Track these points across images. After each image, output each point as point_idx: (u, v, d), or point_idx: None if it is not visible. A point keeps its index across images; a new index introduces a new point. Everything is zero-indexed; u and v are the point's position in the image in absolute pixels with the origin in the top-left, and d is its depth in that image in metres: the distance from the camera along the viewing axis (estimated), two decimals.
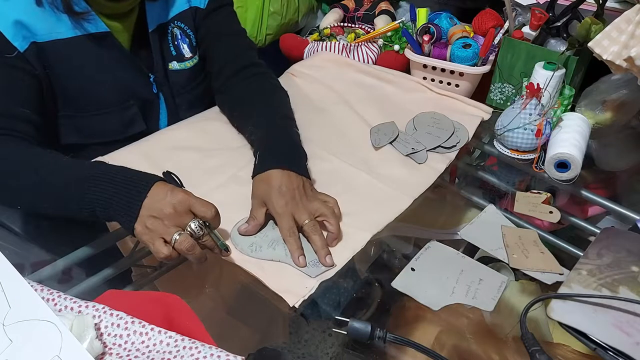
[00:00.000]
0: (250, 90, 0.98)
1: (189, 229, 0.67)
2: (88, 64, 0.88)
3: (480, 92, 1.14)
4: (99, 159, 0.87)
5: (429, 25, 1.12)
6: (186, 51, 1.00)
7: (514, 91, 1.11)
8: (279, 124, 0.90)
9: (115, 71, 0.91)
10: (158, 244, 0.66)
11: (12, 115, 0.80)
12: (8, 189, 0.75)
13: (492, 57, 1.10)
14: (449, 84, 1.13)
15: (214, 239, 0.69)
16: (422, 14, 1.17)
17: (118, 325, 0.58)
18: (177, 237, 0.66)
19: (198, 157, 0.92)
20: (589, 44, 0.90)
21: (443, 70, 1.11)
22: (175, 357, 0.56)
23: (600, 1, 1.02)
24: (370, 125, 1.02)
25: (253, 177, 0.81)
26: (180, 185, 0.73)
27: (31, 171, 0.73)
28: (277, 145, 0.85)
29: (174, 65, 0.99)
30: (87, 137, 0.91)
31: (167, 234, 0.66)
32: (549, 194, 0.90)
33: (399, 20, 1.26)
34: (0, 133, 0.77)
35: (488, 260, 0.81)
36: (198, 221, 0.67)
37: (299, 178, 0.79)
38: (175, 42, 0.98)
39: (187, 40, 1.00)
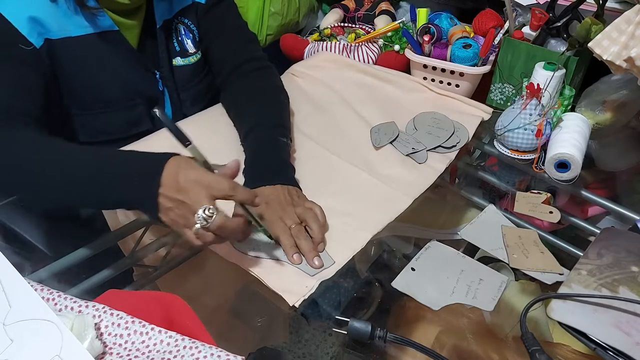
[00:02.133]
0: (247, 91, 0.98)
1: (202, 214, 0.63)
2: (96, 63, 0.89)
3: (480, 92, 1.14)
4: None
5: (429, 25, 1.12)
6: (190, 46, 1.01)
7: (514, 91, 1.11)
8: (267, 136, 0.89)
9: (123, 69, 0.92)
10: (189, 234, 0.65)
11: (20, 110, 0.79)
12: (16, 180, 0.72)
13: (492, 58, 1.11)
14: (449, 84, 1.13)
15: (250, 218, 0.69)
16: (422, 14, 1.17)
17: (118, 325, 0.58)
18: (197, 228, 0.63)
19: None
20: (589, 45, 0.90)
21: (443, 70, 1.11)
22: (175, 357, 0.56)
23: (600, 1, 1.02)
24: (370, 125, 1.02)
25: None
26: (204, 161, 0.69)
27: (50, 165, 0.70)
28: (263, 164, 0.84)
29: (178, 60, 0.99)
30: (93, 135, 0.92)
31: (189, 224, 0.64)
32: (549, 194, 0.90)
33: (399, 21, 1.26)
34: (7, 124, 0.76)
35: (488, 260, 0.81)
36: (206, 210, 0.63)
37: (284, 187, 0.80)
38: (179, 38, 0.99)
39: (191, 35, 1.01)
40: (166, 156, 0.67)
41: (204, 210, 0.63)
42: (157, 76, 0.97)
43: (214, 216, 0.63)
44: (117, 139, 0.92)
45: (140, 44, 0.95)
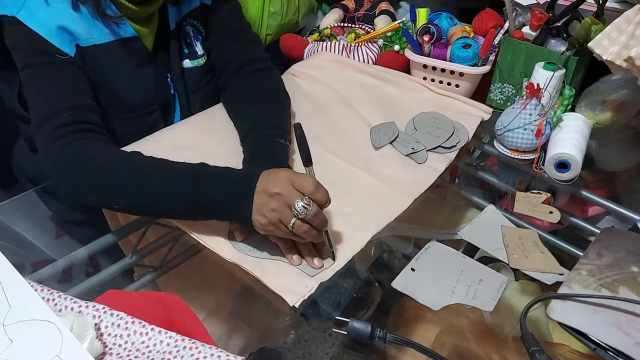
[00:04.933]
0: (248, 92, 0.98)
1: (295, 210, 0.67)
2: (118, 70, 0.89)
3: (480, 92, 1.14)
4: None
5: (429, 25, 1.12)
6: (199, 48, 1.02)
7: (514, 91, 1.11)
8: (266, 138, 0.88)
9: (142, 75, 0.93)
10: (283, 229, 0.69)
11: (83, 107, 0.81)
12: (108, 187, 0.74)
13: (492, 57, 1.10)
14: (449, 84, 1.13)
15: (326, 241, 0.72)
16: (422, 14, 1.17)
17: (118, 326, 0.58)
18: (295, 221, 0.68)
19: (198, 156, 0.92)
20: (589, 44, 0.90)
21: (443, 70, 1.11)
22: (175, 357, 0.56)
23: (600, 1, 1.02)
24: (370, 125, 1.02)
25: None
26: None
27: (136, 170, 0.74)
28: (261, 165, 0.83)
29: (187, 63, 1.00)
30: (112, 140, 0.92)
31: (285, 217, 0.68)
32: (549, 194, 0.90)
33: (399, 21, 1.26)
34: (80, 129, 0.78)
35: (488, 260, 0.81)
36: (303, 199, 0.68)
37: None
38: (188, 40, 1.00)
39: (200, 37, 1.01)
40: (259, 168, 0.73)
41: (302, 200, 0.67)
42: (169, 80, 0.98)
43: (311, 206, 0.67)
44: (131, 143, 0.92)
45: (154, 48, 0.96)
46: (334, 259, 0.74)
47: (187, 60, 1.00)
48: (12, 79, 0.89)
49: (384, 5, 1.36)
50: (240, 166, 0.87)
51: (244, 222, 0.71)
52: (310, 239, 0.70)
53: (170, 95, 0.99)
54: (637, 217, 0.86)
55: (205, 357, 0.55)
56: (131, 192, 0.73)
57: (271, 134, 0.89)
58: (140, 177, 0.73)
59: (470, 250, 0.84)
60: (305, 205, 0.67)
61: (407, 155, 0.95)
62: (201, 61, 1.02)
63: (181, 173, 0.72)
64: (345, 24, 1.35)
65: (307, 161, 0.71)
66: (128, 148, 0.90)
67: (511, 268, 0.79)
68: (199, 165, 0.74)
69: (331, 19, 1.35)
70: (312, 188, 0.68)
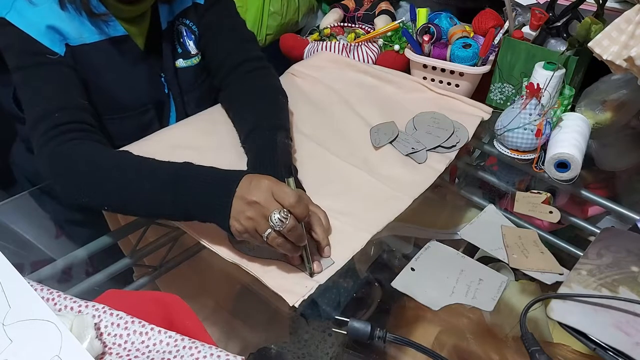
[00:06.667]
0: (245, 92, 0.98)
1: (271, 222, 0.66)
2: (110, 69, 0.89)
3: (480, 92, 1.14)
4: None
5: (429, 25, 1.12)
6: (192, 48, 1.01)
7: (514, 91, 1.11)
8: (267, 138, 0.88)
9: (134, 75, 0.93)
10: (258, 239, 0.68)
11: (75, 106, 0.81)
12: (96, 189, 0.74)
13: (492, 57, 1.10)
14: (449, 84, 1.13)
15: (304, 257, 0.70)
16: (422, 14, 1.17)
17: (118, 325, 0.58)
18: (270, 232, 0.66)
19: (197, 156, 0.91)
20: (589, 44, 0.90)
21: (443, 70, 1.11)
22: (175, 357, 0.56)
23: (600, 1, 1.02)
24: (370, 125, 1.02)
25: None
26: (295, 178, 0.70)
27: (120, 173, 0.73)
28: (265, 167, 0.83)
29: (181, 62, 0.99)
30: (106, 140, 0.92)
31: (260, 227, 0.67)
32: (548, 194, 0.90)
33: (399, 20, 1.26)
34: (72, 129, 0.78)
35: (488, 260, 0.81)
36: (281, 212, 0.66)
37: None
38: (181, 40, 0.99)
39: (193, 36, 1.01)
40: (242, 172, 0.71)
41: (279, 212, 0.65)
42: (163, 79, 0.98)
43: (289, 219, 0.65)
44: (127, 144, 0.92)
45: (146, 48, 0.95)
46: (311, 276, 0.71)
47: (181, 59, 0.99)
48: (7, 79, 0.89)
49: (383, 5, 1.36)
50: (239, 165, 0.87)
51: (223, 226, 0.70)
52: (285, 252, 0.69)
53: (164, 95, 0.99)
54: (637, 217, 0.86)
55: (205, 357, 0.55)
56: (117, 197, 0.73)
57: (272, 134, 0.88)
58: (126, 182, 0.73)
59: (470, 250, 0.84)
60: (282, 218, 0.65)
61: (407, 155, 0.95)
62: (195, 60, 1.01)
63: (163, 176, 0.72)
64: (345, 24, 1.36)
65: (288, 172, 0.70)
66: (128, 148, 0.90)
67: (511, 268, 0.79)
68: (182, 166, 0.73)
69: (331, 18, 1.36)
70: (292, 201, 0.66)
